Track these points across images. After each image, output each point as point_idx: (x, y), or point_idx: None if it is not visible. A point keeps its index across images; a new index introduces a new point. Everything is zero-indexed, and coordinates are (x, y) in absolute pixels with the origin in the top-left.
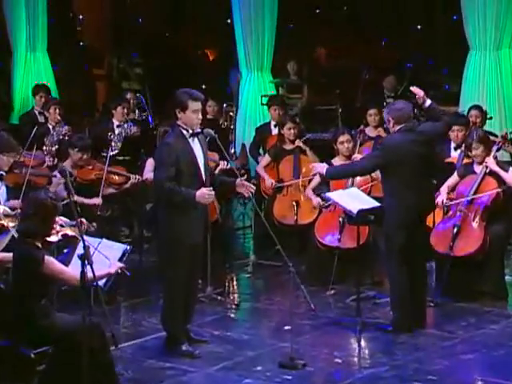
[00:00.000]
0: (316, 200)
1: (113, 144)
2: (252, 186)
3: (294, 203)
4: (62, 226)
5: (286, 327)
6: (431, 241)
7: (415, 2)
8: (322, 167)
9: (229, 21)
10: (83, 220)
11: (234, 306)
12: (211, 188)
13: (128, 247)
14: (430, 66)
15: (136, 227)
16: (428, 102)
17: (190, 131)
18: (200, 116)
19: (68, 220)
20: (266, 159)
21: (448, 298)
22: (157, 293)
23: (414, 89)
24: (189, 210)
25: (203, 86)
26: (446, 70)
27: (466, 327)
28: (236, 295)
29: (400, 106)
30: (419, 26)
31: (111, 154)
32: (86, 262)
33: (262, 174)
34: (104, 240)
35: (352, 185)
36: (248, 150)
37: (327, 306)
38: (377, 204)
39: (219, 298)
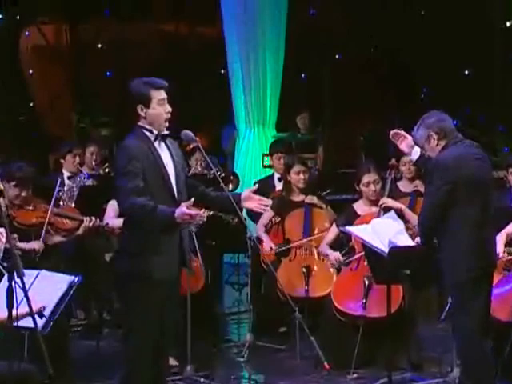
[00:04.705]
0: (333, 255)
1: (61, 203)
2: (266, 200)
3: (304, 269)
4: None
5: None
6: None
7: (461, 40)
8: None
9: (222, 71)
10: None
11: None
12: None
13: (76, 278)
14: (482, 123)
15: (94, 310)
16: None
17: (156, 132)
18: (169, 108)
19: None
20: (267, 215)
21: (509, 381)
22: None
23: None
24: (158, 232)
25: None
26: (503, 127)
27: None
28: (226, 378)
29: (439, 116)
30: (467, 72)
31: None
32: (16, 273)
33: (260, 236)
34: (43, 271)
35: None
36: (245, 210)
37: None
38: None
39: (202, 380)
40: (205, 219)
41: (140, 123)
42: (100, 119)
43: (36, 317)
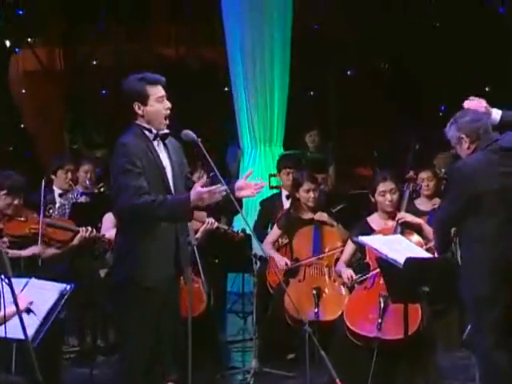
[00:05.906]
0: (346, 273)
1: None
2: (262, 182)
3: (315, 291)
4: None
5: None
6: None
7: (483, 55)
8: None
9: (226, 88)
10: None
11: None
12: None
13: (68, 286)
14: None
15: (87, 337)
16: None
17: (154, 131)
18: (168, 104)
19: None
20: (274, 233)
21: None
22: None
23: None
24: (153, 238)
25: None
26: None
27: None
28: None
29: (474, 116)
30: (487, 88)
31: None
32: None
33: (269, 254)
34: (33, 279)
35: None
36: (251, 230)
37: None
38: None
39: None
40: (224, 193)
41: (138, 122)
42: (94, 140)
43: (24, 318)
